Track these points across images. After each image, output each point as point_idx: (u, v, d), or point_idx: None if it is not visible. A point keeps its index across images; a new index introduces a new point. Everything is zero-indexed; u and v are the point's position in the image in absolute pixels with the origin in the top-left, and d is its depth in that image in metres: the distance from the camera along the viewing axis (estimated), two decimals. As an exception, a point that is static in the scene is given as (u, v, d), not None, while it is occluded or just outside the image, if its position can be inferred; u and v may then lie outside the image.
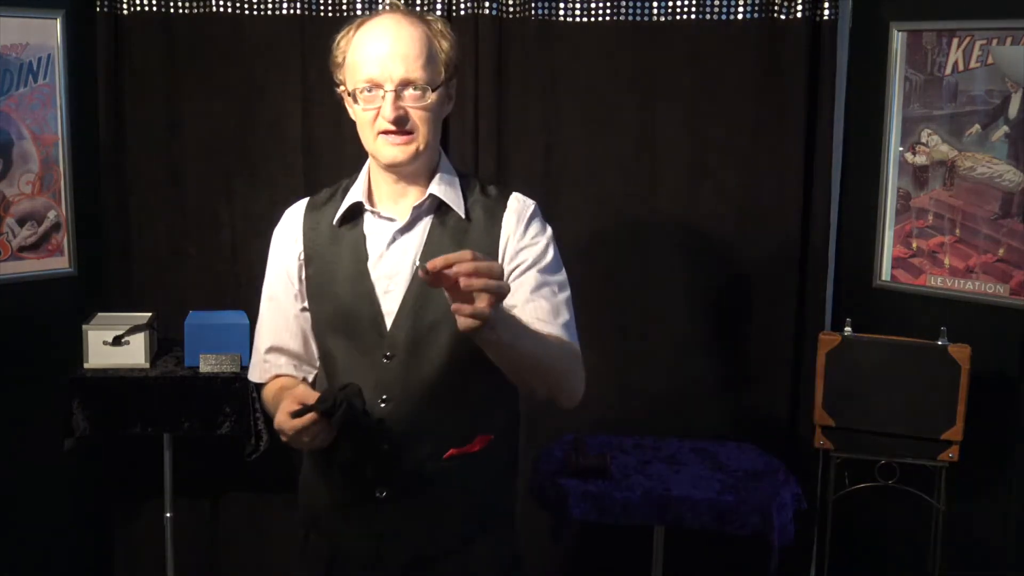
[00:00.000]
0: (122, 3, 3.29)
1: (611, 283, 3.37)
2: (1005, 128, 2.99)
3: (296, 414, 1.68)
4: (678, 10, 3.24)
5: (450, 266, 1.47)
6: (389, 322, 1.84)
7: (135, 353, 3.12)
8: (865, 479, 3.12)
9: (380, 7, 1.86)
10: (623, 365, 3.40)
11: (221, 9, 3.30)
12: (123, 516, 3.52)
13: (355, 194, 1.90)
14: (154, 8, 3.29)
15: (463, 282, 1.46)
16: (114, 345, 3.11)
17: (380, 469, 1.84)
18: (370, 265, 1.86)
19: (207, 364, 3.10)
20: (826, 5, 3.19)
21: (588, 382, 1.90)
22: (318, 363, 1.98)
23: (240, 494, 3.52)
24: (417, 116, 1.80)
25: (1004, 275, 3.02)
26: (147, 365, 3.13)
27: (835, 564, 3.21)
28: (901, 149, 3.17)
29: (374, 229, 1.89)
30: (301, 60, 3.31)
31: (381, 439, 1.82)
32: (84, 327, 3.13)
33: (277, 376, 1.99)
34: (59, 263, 3.29)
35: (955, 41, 3.04)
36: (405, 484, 1.85)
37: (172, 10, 3.30)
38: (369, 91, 1.79)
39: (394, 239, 1.87)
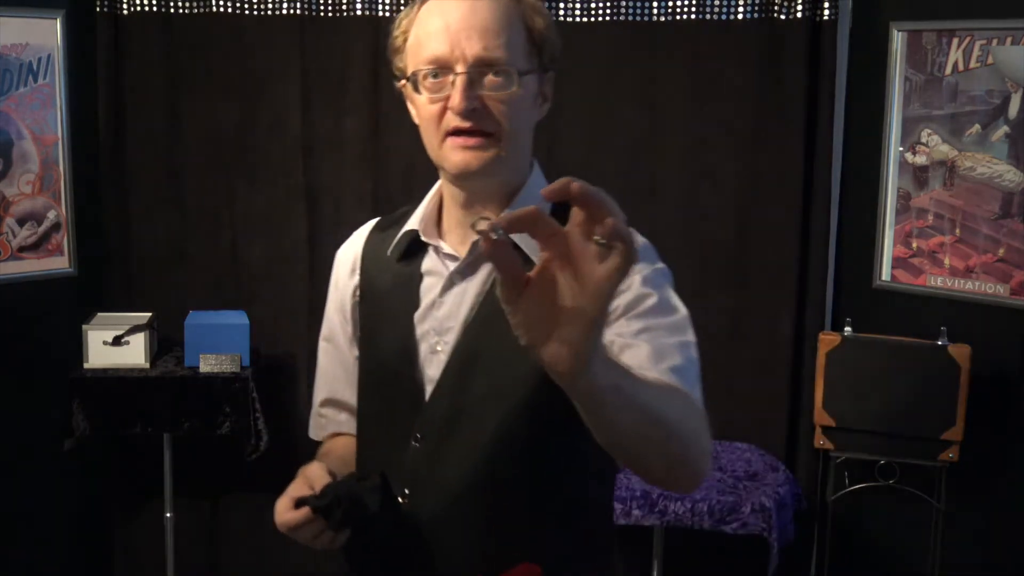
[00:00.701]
0: (122, 3, 3.29)
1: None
2: (1005, 128, 2.99)
3: (298, 503, 1.32)
4: (678, 10, 3.24)
5: (530, 223, 0.92)
6: (428, 391, 1.40)
7: (135, 353, 3.12)
8: (865, 479, 3.12)
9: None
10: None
11: (221, 9, 3.30)
12: (123, 516, 3.52)
13: (413, 220, 1.46)
14: (154, 8, 3.29)
15: (580, 192, 0.92)
16: (114, 345, 3.11)
17: None
18: (417, 316, 1.42)
19: (207, 364, 3.10)
20: (826, 5, 3.19)
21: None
22: None
23: (240, 494, 3.52)
24: (498, 111, 1.35)
25: (1004, 275, 3.02)
26: (147, 365, 3.13)
27: (835, 564, 3.21)
28: (901, 149, 3.17)
29: (433, 268, 1.44)
30: (301, 60, 3.31)
31: (393, 547, 1.40)
32: (84, 327, 3.13)
33: (336, 435, 1.60)
34: (59, 263, 3.29)
35: (955, 41, 3.03)
36: None
37: (172, 10, 3.30)
38: (435, 76, 1.35)
39: (451, 284, 1.42)
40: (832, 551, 3.20)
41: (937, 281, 3.15)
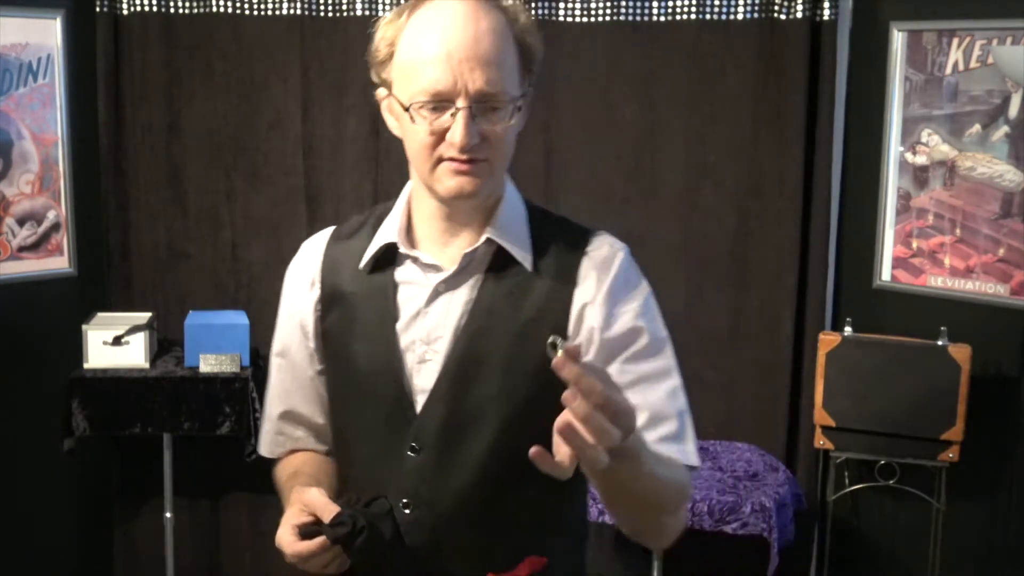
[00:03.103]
0: (122, 3, 3.29)
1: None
2: (1005, 128, 2.99)
3: (304, 533, 1.31)
4: (678, 10, 3.24)
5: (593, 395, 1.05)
6: (420, 402, 1.40)
7: (135, 353, 3.12)
8: (865, 479, 3.12)
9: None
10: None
11: (221, 9, 3.30)
12: (123, 516, 3.52)
13: (388, 232, 1.45)
14: (154, 8, 3.29)
15: (587, 423, 1.05)
16: (114, 345, 3.11)
17: None
18: (400, 326, 1.42)
19: (207, 364, 3.10)
20: (826, 5, 3.19)
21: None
22: None
23: (240, 494, 3.52)
24: (494, 139, 1.35)
25: (1004, 275, 3.02)
26: (147, 365, 3.13)
27: (835, 564, 3.21)
28: (901, 149, 3.17)
29: (411, 278, 1.44)
30: (301, 60, 3.31)
31: (401, 558, 1.39)
32: (84, 327, 3.13)
33: (294, 451, 1.58)
34: (59, 263, 3.29)
35: (955, 41, 3.03)
36: None
37: (172, 10, 3.30)
38: (433, 108, 1.33)
39: (436, 294, 1.41)
40: (832, 551, 3.20)
41: (937, 281, 3.15)
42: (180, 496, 3.34)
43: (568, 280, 1.40)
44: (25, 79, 3.17)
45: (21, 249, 3.22)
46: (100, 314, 3.24)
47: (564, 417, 1.06)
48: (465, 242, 1.42)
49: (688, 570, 3.30)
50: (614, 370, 1.34)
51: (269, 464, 3.40)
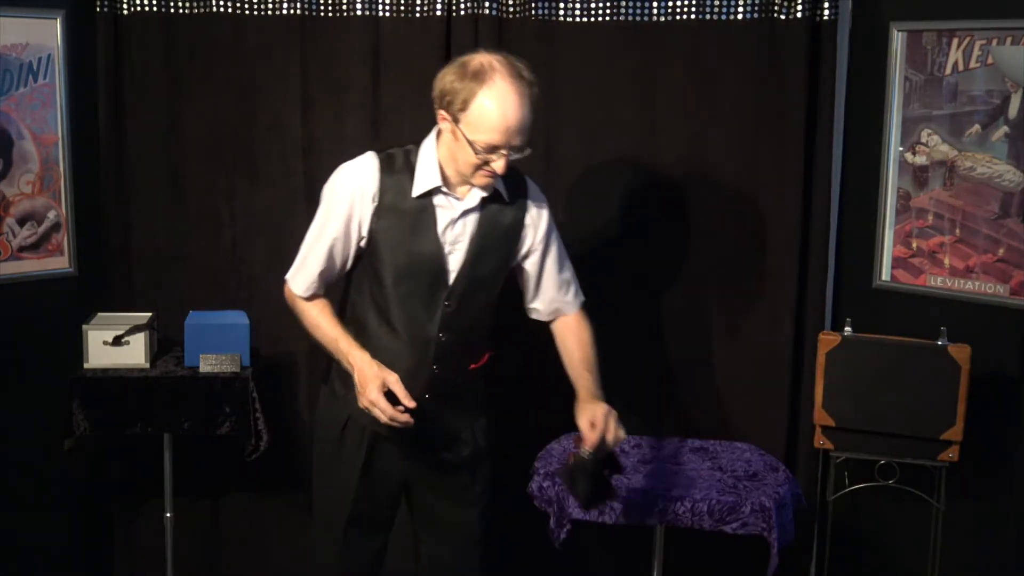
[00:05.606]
0: (122, 3, 3.29)
1: (611, 283, 3.37)
2: (1005, 128, 2.99)
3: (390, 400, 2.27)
4: (678, 10, 3.24)
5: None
6: (452, 277, 2.39)
7: (135, 353, 3.13)
8: (865, 479, 3.12)
9: (488, 59, 2.24)
10: (623, 365, 3.39)
11: (221, 9, 3.30)
12: (123, 516, 3.53)
13: (433, 178, 2.35)
14: (154, 8, 3.29)
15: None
16: (114, 345, 3.11)
17: (431, 382, 2.42)
18: (439, 231, 2.36)
19: (207, 364, 3.10)
20: (826, 5, 3.19)
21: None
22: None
23: (240, 494, 3.52)
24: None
25: (1004, 275, 3.03)
26: (147, 365, 3.13)
27: (835, 564, 3.21)
28: (901, 149, 3.18)
29: (443, 204, 2.37)
30: (301, 60, 3.31)
31: (435, 362, 2.43)
32: (84, 327, 3.13)
33: (314, 296, 2.46)
34: (59, 263, 3.30)
35: (955, 41, 3.04)
36: (444, 390, 2.45)
37: (172, 10, 3.30)
38: (490, 150, 2.24)
39: (462, 215, 2.38)
40: (832, 551, 3.20)
41: (937, 281, 3.15)
42: (180, 496, 3.34)
43: (522, 208, 2.46)
44: (25, 79, 3.17)
45: (21, 249, 3.22)
46: (100, 314, 3.24)
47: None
48: (468, 185, 2.37)
49: (688, 570, 3.31)
50: (540, 254, 2.50)
51: (269, 464, 3.41)
